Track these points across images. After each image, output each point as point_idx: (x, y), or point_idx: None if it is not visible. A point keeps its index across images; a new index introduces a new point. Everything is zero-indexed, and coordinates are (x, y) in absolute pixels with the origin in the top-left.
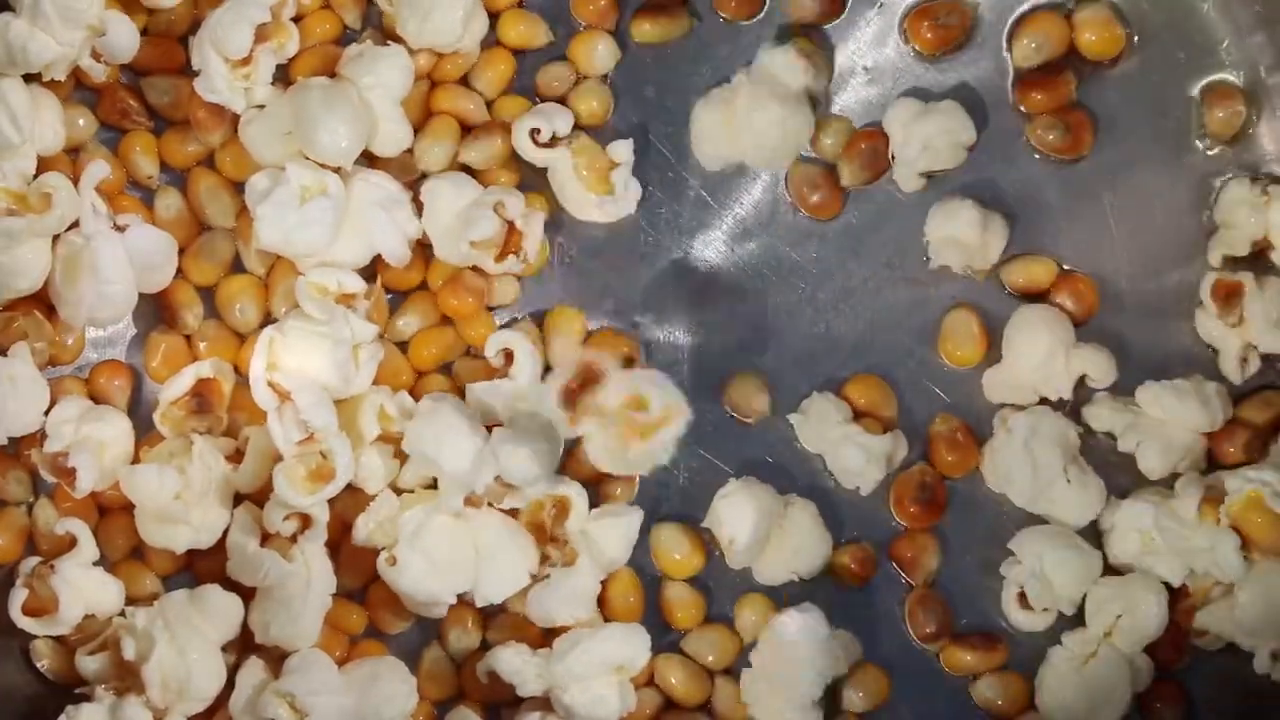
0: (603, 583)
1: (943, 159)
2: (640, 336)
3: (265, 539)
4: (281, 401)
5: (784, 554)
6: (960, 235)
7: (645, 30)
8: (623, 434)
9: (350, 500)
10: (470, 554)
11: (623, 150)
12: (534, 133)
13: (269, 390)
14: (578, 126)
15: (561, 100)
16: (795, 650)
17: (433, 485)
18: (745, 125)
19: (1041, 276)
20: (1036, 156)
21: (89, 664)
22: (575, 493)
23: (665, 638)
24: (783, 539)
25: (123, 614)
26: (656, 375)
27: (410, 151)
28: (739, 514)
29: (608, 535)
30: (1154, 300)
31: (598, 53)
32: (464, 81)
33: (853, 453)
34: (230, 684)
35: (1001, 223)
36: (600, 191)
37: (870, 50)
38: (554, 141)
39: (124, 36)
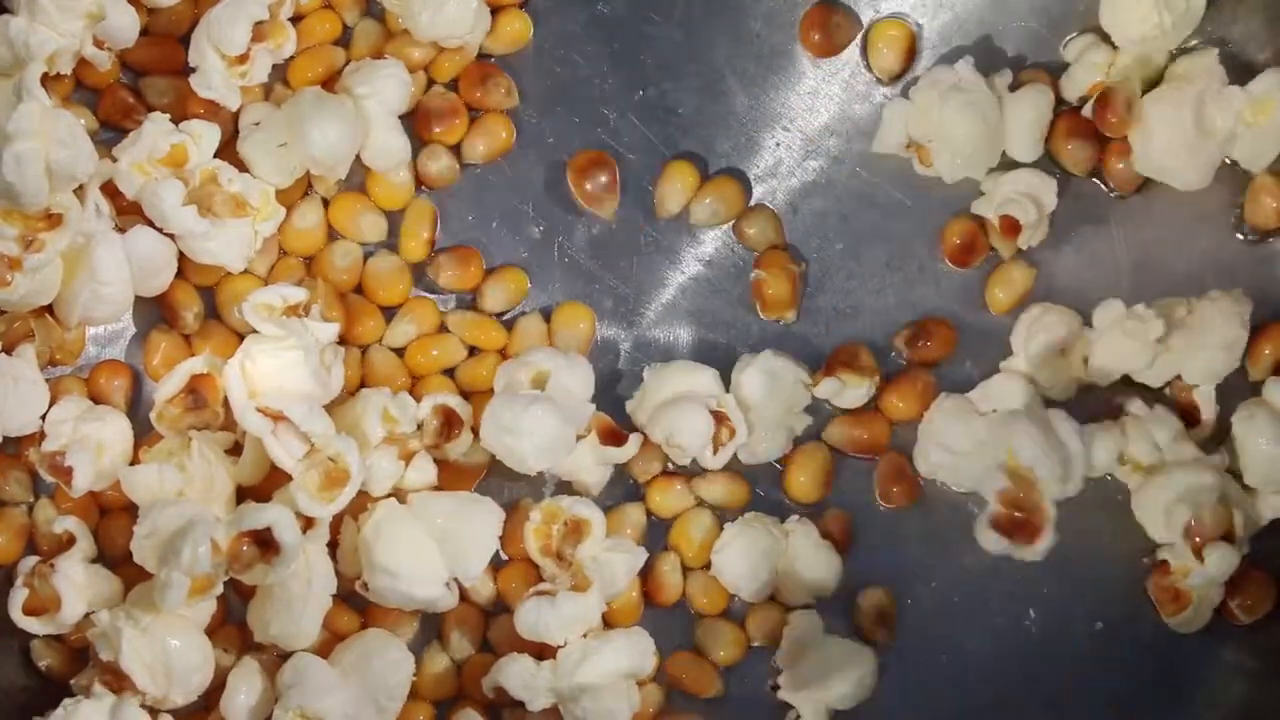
0: None
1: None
2: (640, 336)
3: None
4: (275, 423)
5: (796, 585)
6: (1039, 196)
7: None
8: None
9: (353, 500)
10: (431, 544)
11: None
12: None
13: (259, 416)
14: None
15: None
16: None
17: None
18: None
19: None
20: None
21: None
22: (596, 519)
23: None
24: (790, 571)
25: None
26: None
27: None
28: (736, 563)
29: (615, 567)
30: None
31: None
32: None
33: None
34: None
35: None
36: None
37: None
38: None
39: (124, 19)
